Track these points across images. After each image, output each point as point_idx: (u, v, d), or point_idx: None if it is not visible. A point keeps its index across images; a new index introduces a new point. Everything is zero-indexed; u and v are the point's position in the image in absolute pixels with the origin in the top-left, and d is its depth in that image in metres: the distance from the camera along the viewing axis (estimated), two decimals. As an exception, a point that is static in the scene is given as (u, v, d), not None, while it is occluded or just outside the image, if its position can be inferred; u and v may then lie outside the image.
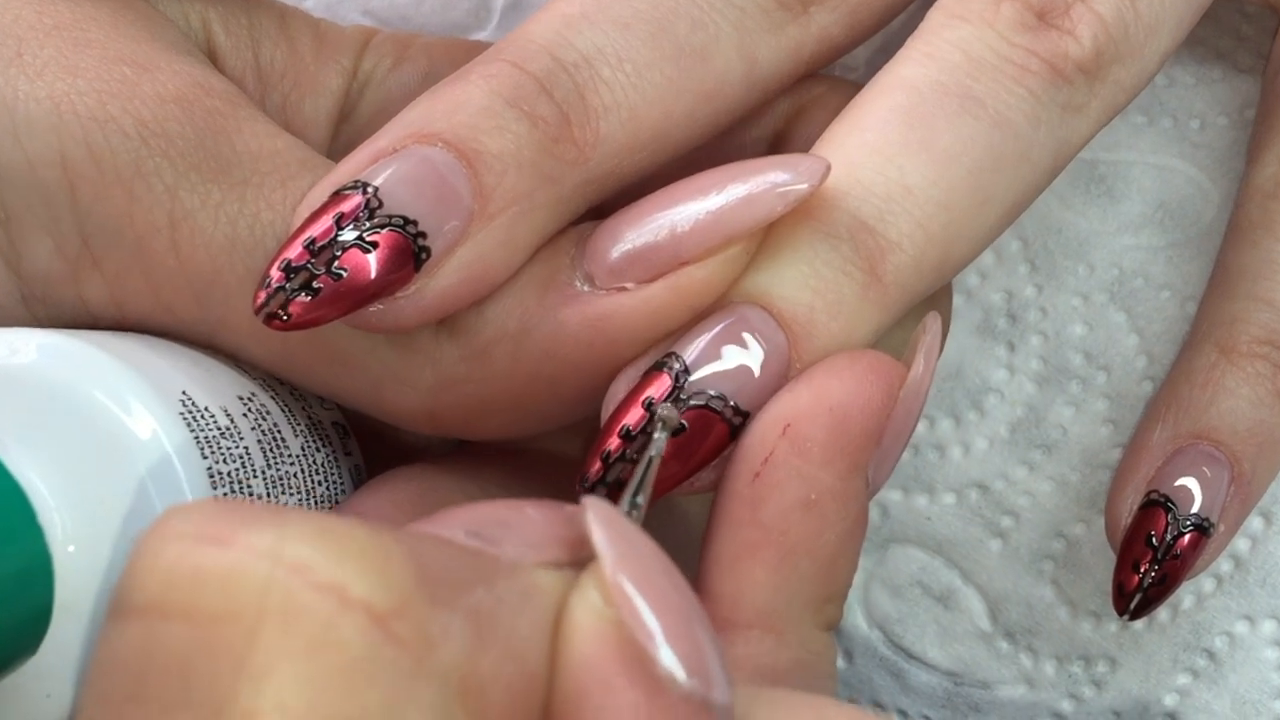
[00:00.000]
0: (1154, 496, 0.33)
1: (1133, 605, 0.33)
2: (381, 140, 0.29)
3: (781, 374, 0.28)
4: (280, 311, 0.27)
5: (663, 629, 0.21)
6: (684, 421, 0.28)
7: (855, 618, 0.39)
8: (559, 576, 0.22)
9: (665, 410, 0.27)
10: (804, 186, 0.28)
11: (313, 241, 0.27)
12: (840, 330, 0.28)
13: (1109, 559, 0.37)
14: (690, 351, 0.28)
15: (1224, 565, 0.37)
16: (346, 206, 0.28)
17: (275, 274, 0.27)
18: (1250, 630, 0.37)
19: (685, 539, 0.33)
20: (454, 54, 0.35)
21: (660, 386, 0.28)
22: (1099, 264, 0.38)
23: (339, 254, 0.27)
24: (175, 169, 0.29)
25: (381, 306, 0.28)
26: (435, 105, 0.29)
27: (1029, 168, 0.30)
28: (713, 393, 0.28)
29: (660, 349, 0.29)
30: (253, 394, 0.30)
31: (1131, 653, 0.37)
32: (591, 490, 0.28)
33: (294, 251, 0.27)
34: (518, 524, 0.23)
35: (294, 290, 0.27)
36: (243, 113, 0.31)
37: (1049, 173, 0.31)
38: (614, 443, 0.28)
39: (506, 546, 0.23)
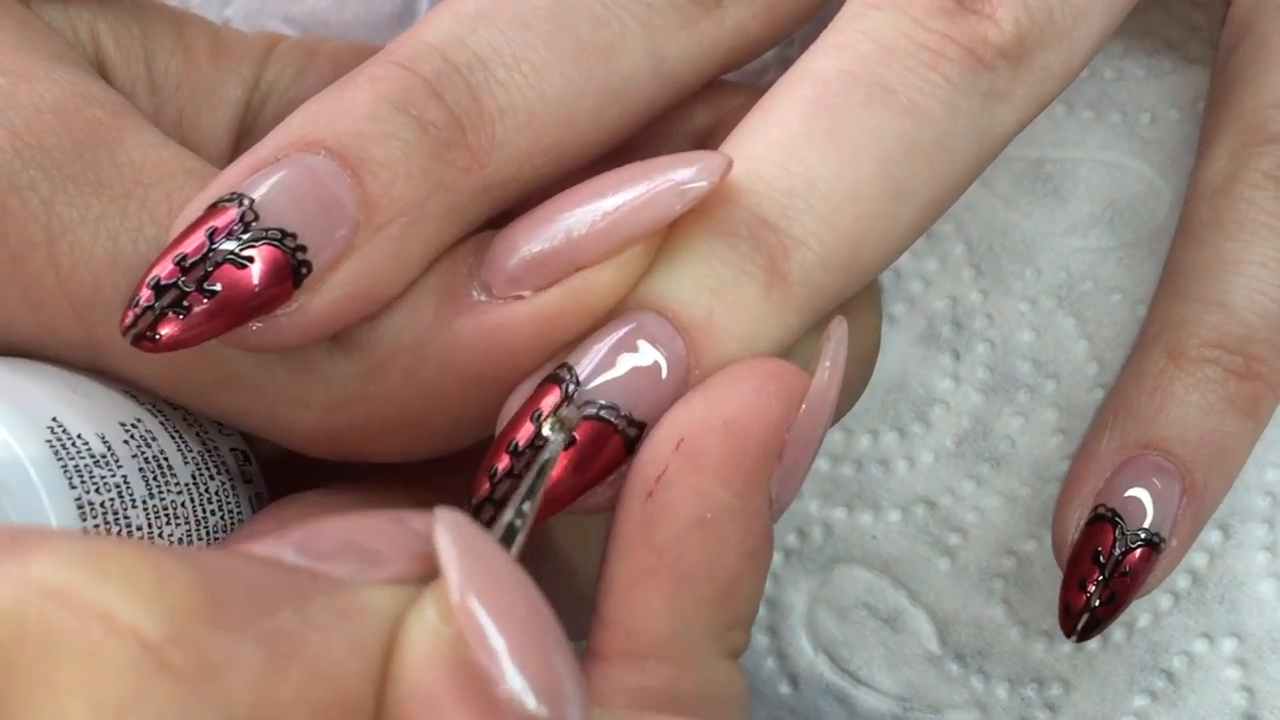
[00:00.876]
0: (1101, 511, 0.31)
1: (1080, 626, 0.31)
2: (263, 149, 0.27)
3: (681, 382, 0.27)
4: (149, 332, 0.26)
5: (509, 647, 0.20)
6: (575, 434, 0.26)
7: (800, 641, 0.37)
8: (395, 594, 0.21)
9: (565, 411, 0.26)
10: (704, 184, 0.27)
11: (184, 258, 0.26)
12: (743, 333, 0.27)
13: (1060, 577, 0.35)
14: (584, 362, 0.26)
15: (1181, 581, 0.35)
16: (221, 220, 0.26)
17: (144, 293, 0.26)
18: (1209, 649, 0.35)
19: (554, 576, 0.31)
20: (360, 61, 0.34)
21: (552, 399, 0.26)
22: (1046, 267, 0.36)
23: (211, 270, 0.26)
24: (51, 181, 0.28)
25: (261, 325, 0.26)
26: (319, 111, 0.27)
27: (947, 158, 0.28)
28: (604, 403, 0.26)
29: (555, 361, 0.27)
30: (138, 419, 0.29)
31: (1086, 675, 0.36)
32: (478, 510, 0.26)
33: (164, 269, 0.26)
34: (361, 539, 0.22)
35: (163, 309, 0.26)
36: (126, 123, 0.29)
37: (972, 164, 0.29)
38: (502, 460, 0.26)
39: (340, 563, 0.21)
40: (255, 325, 0.26)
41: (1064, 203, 0.36)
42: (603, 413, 0.26)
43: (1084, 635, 0.31)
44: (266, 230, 0.26)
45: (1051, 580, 0.36)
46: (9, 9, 0.31)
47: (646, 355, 0.26)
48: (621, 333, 0.27)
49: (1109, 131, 0.36)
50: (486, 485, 0.26)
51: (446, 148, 0.27)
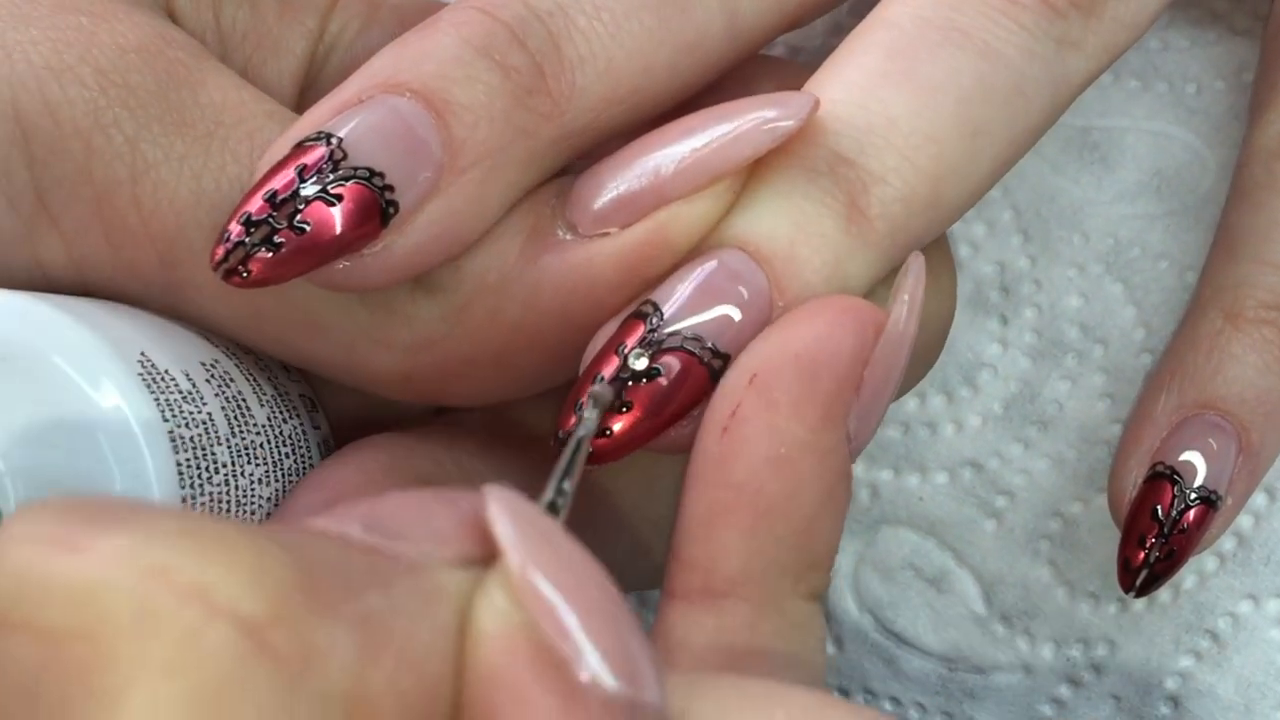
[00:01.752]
0: (1159, 469, 0.32)
1: (1139, 582, 0.32)
2: (347, 90, 0.27)
3: (764, 315, 0.27)
4: (240, 267, 0.26)
5: (582, 627, 0.19)
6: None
7: (846, 602, 0.38)
8: (466, 576, 0.20)
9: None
10: (791, 123, 0.27)
11: (274, 195, 0.26)
12: (824, 266, 0.27)
13: (1107, 538, 0.36)
14: (668, 298, 0.27)
15: (1227, 543, 0.36)
16: (309, 158, 0.26)
17: (235, 228, 0.26)
18: (1254, 610, 0.36)
19: (614, 529, 0.31)
20: (426, 14, 0.34)
21: (636, 334, 0.26)
22: (1094, 233, 0.37)
23: (301, 207, 0.26)
24: (136, 120, 0.28)
25: (348, 264, 0.26)
26: (403, 54, 0.27)
27: (1023, 102, 0.28)
28: (689, 334, 0.26)
29: (641, 298, 0.27)
30: (216, 360, 0.29)
31: (1132, 635, 0.36)
32: (563, 443, 0.26)
33: (254, 205, 0.26)
34: (422, 517, 0.21)
35: (254, 245, 0.26)
36: (206, 65, 0.29)
37: (1047, 110, 0.29)
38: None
39: (408, 543, 0.21)
40: (342, 264, 0.26)
41: (1111, 170, 0.37)
42: (686, 344, 0.26)
43: (1142, 591, 0.32)
44: (355, 169, 0.26)
45: (1098, 542, 0.36)
46: None
47: (729, 289, 0.27)
48: (705, 268, 0.27)
49: (1155, 101, 0.37)
50: (573, 419, 0.26)
51: (528, 93, 0.27)
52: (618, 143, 0.29)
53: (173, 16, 0.32)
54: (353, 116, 0.27)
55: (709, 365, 0.26)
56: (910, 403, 0.37)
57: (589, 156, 0.29)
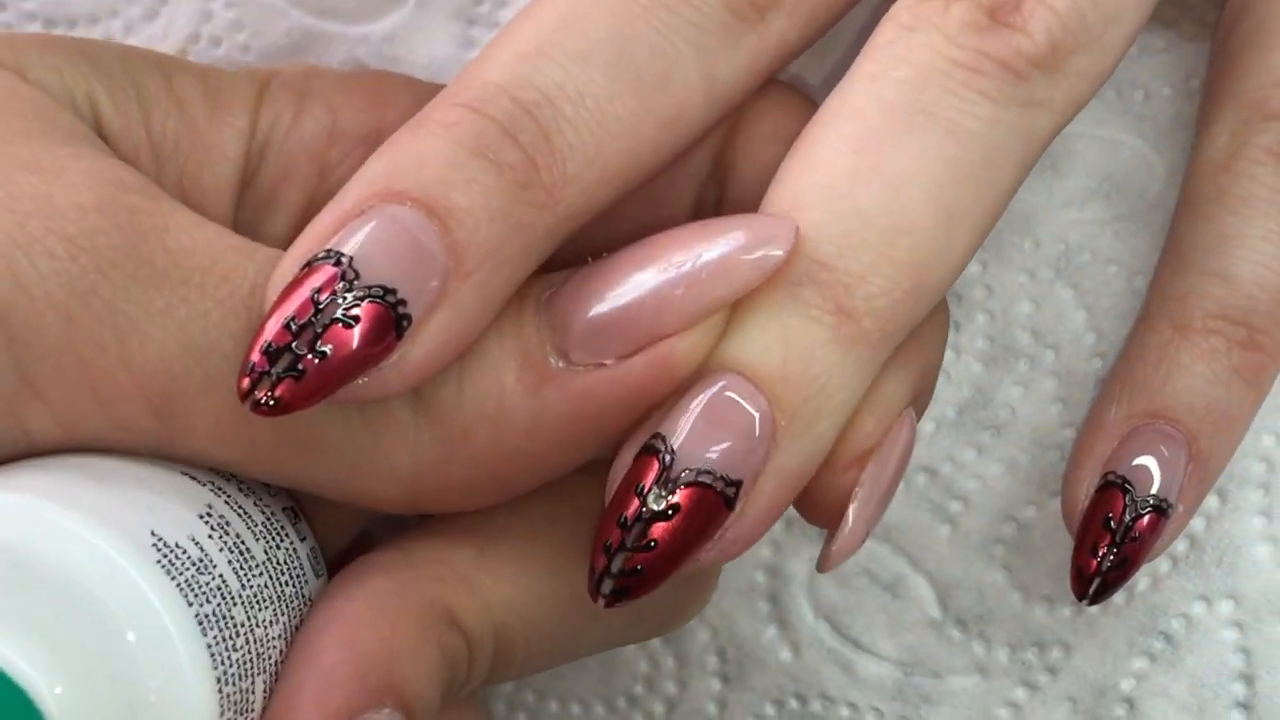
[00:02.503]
0: (1111, 478, 0.32)
1: (1092, 590, 0.32)
2: (346, 201, 0.28)
3: (770, 436, 0.27)
4: (267, 398, 0.26)
5: None
6: (679, 502, 0.27)
7: (801, 609, 0.38)
8: None
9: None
10: (779, 253, 0.27)
11: (292, 320, 0.26)
12: (820, 377, 0.28)
13: (1061, 543, 0.36)
14: (674, 430, 0.27)
15: (1180, 545, 0.36)
16: (322, 280, 0.27)
17: (257, 358, 0.26)
18: (1207, 611, 0.36)
19: None
20: (354, 98, 0.34)
21: (651, 472, 0.27)
22: (1045, 239, 0.37)
23: (321, 332, 0.26)
24: (112, 282, 0.28)
25: (366, 380, 0.27)
26: (398, 160, 0.28)
27: (993, 173, 0.29)
28: (703, 469, 0.27)
29: (651, 425, 0.28)
30: (209, 506, 0.28)
31: (1086, 638, 0.36)
32: (600, 584, 0.27)
33: (273, 333, 0.26)
34: None
35: (280, 374, 0.26)
36: (164, 206, 0.29)
37: (1017, 174, 0.30)
38: (615, 534, 0.27)
39: None
40: (361, 380, 0.27)
41: (1061, 177, 0.37)
42: (701, 478, 0.27)
43: (1095, 599, 0.32)
44: (369, 288, 0.26)
45: (1052, 546, 0.36)
46: (6, 84, 0.30)
47: (735, 418, 0.27)
48: (707, 396, 0.28)
49: (1104, 108, 0.37)
50: (604, 559, 0.27)
51: (523, 187, 0.28)
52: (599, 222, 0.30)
53: (104, 137, 0.31)
54: (357, 230, 0.27)
55: (723, 495, 0.27)
56: (864, 409, 0.37)
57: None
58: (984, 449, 0.37)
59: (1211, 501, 0.36)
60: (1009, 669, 0.37)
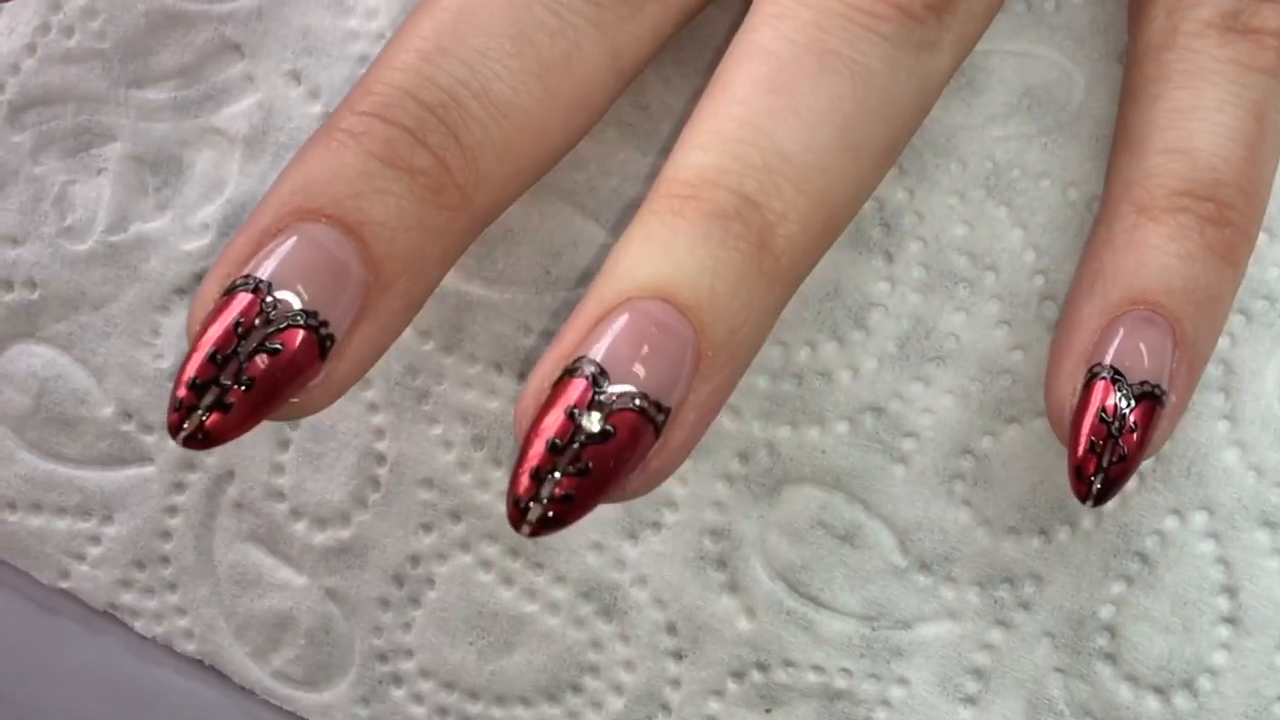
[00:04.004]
0: (1097, 370, 0.30)
1: (1095, 488, 0.30)
2: (262, 221, 0.28)
3: (693, 363, 0.28)
4: (196, 431, 0.27)
5: None
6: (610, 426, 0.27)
7: (754, 571, 0.35)
8: None
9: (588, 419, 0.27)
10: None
11: (216, 354, 0.27)
12: (743, 307, 0.28)
13: (1022, 470, 0.34)
14: (600, 352, 0.27)
15: (1144, 462, 0.34)
16: (241, 308, 0.27)
17: (184, 394, 0.27)
18: (1180, 525, 0.34)
19: None
20: None
21: (578, 391, 0.27)
22: (970, 159, 0.35)
23: (245, 363, 0.27)
24: None
25: (295, 400, 0.28)
26: (310, 176, 0.28)
27: (895, 113, 0.30)
28: (634, 391, 0.27)
29: (561, 353, 0.28)
30: None
31: (1059, 567, 0.34)
32: (526, 509, 0.27)
33: (197, 368, 0.27)
34: None
35: (208, 407, 0.27)
36: None
37: (917, 111, 0.30)
38: (541, 456, 0.27)
39: None
40: (291, 401, 0.28)
41: (979, 94, 0.35)
42: (635, 403, 0.27)
43: (1099, 499, 0.30)
44: (289, 315, 0.27)
45: (1013, 475, 0.35)
46: None
47: (663, 342, 0.27)
48: (631, 321, 0.27)
49: (1015, 21, 0.36)
50: (529, 483, 0.27)
51: (437, 191, 0.28)
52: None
53: None
54: (274, 253, 0.27)
55: (653, 420, 0.27)
56: (801, 352, 0.35)
57: None
58: (931, 381, 0.35)
59: (1176, 410, 0.34)
60: (981, 610, 0.35)
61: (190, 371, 0.27)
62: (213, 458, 0.37)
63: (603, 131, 0.36)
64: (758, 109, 0.29)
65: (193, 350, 0.27)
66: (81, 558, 0.38)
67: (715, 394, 0.28)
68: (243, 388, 0.27)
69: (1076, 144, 0.35)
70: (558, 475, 0.27)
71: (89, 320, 0.37)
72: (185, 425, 0.27)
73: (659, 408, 0.27)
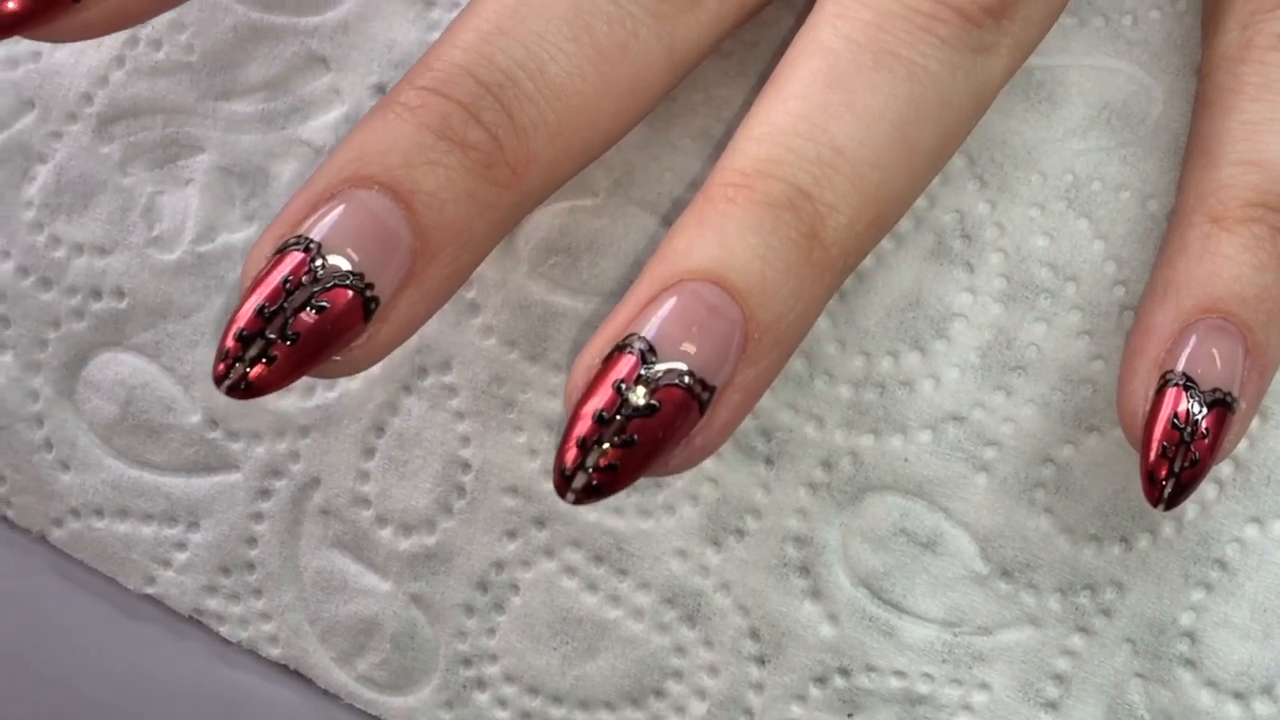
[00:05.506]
0: (1170, 377, 0.31)
1: (1167, 494, 0.30)
2: (316, 187, 0.29)
3: (741, 346, 0.29)
4: (240, 380, 0.28)
5: None
6: (656, 401, 0.28)
7: (837, 578, 0.36)
8: None
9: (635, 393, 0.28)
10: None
11: (264, 308, 0.28)
12: (791, 296, 0.29)
13: (1103, 478, 0.35)
14: (653, 331, 0.28)
15: (1225, 469, 0.35)
16: (292, 266, 0.28)
17: (231, 344, 0.28)
18: (1260, 533, 0.35)
19: None
20: None
21: (629, 369, 0.28)
22: (1051, 172, 0.36)
23: (290, 318, 0.28)
24: None
25: (339, 359, 0.29)
26: (365, 146, 0.29)
27: (951, 114, 0.30)
28: (682, 368, 0.28)
29: (613, 331, 0.29)
30: None
31: (1140, 575, 0.35)
32: (572, 479, 0.28)
33: (246, 319, 0.28)
34: None
35: (253, 358, 0.28)
36: None
37: (972, 115, 0.31)
38: (589, 427, 0.28)
39: None
40: (333, 359, 0.29)
41: (1058, 108, 0.36)
42: (682, 379, 0.28)
43: (1171, 503, 0.31)
44: (336, 275, 0.28)
45: (1093, 483, 0.35)
46: None
47: (711, 323, 0.28)
48: (682, 301, 0.28)
49: (1093, 36, 0.36)
50: (575, 453, 0.28)
51: (488, 166, 0.29)
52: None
53: None
54: (326, 215, 0.28)
55: (699, 398, 0.28)
56: (884, 362, 0.36)
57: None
58: (1012, 391, 0.35)
59: (1253, 421, 0.35)
60: (1062, 616, 0.35)
61: (239, 323, 0.28)
62: (299, 464, 0.38)
63: (681, 142, 0.36)
64: (814, 104, 0.30)
65: (242, 302, 0.28)
66: (168, 564, 0.39)
67: (760, 377, 0.29)
68: (287, 342, 0.28)
69: (1155, 157, 0.36)
70: (603, 445, 0.28)
71: (176, 329, 0.38)
72: (230, 375, 0.28)
73: (704, 386, 0.28)
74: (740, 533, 0.36)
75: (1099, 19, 0.36)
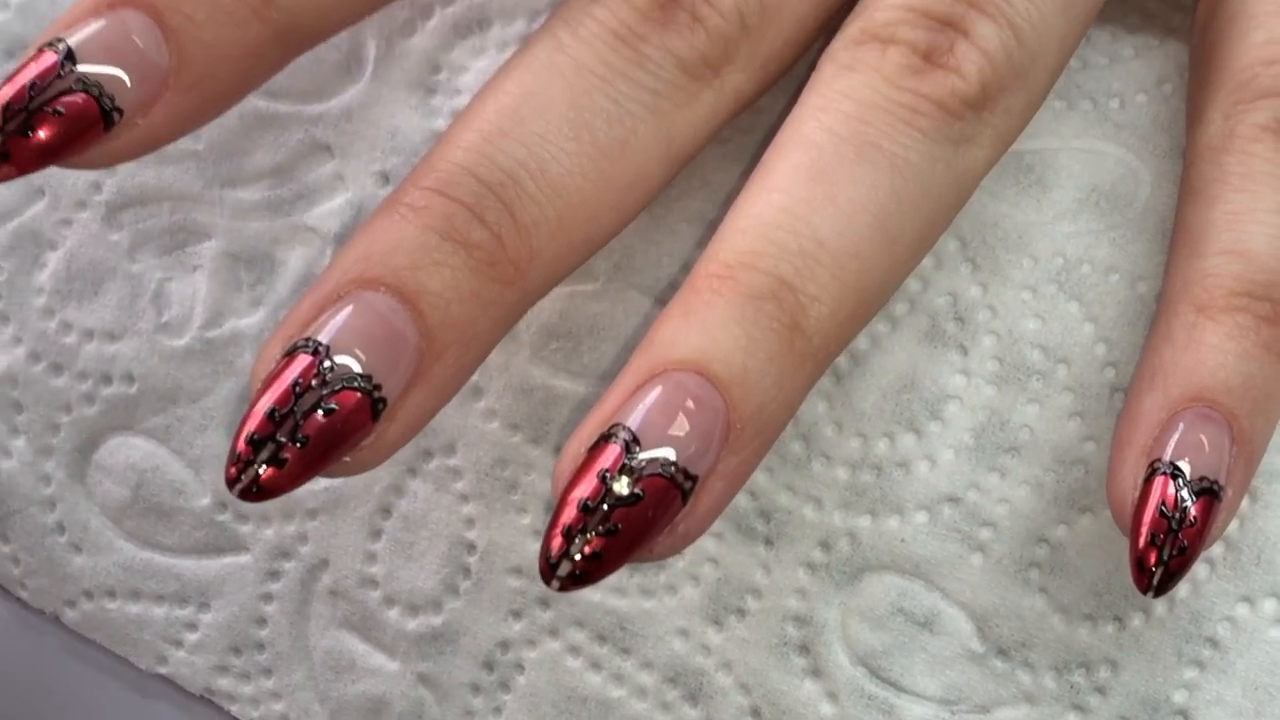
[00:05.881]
0: (1158, 466, 0.31)
1: (1156, 580, 0.31)
2: (324, 288, 0.29)
3: (724, 435, 0.29)
4: (252, 484, 0.28)
5: None
6: (639, 490, 0.29)
7: (836, 657, 0.36)
8: None
9: (619, 484, 0.29)
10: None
11: (274, 411, 0.28)
12: (773, 386, 0.30)
13: (1096, 558, 0.35)
14: (636, 421, 0.29)
15: (1216, 549, 0.35)
16: (301, 369, 0.29)
17: (242, 448, 0.28)
18: (1251, 612, 0.35)
19: None
20: None
21: (613, 458, 0.29)
22: (1042, 254, 0.36)
23: (301, 421, 0.28)
24: None
25: (348, 459, 0.29)
26: (372, 247, 0.30)
27: (931, 204, 0.31)
28: (665, 458, 0.29)
29: (598, 420, 0.30)
30: None
31: (1133, 653, 0.36)
32: (557, 565, 0.29)
33: (257, 423, 0.28)
34: None
35: (264, 462, 0.28)
36: None
37: (953, 204, 0.32)
38: (574, 516, 0.29)
39: None
40: (341, 460, 0.29)
41: (1048, 191, 0.37)
42: (665, 469, 0.29)
43: (1160, 590, 0.31)
44: (345, 377, 0.28)
45: (1088, 563, 0.36)
46: None
47: (695, 414, 0.29)
48: (666, 391, 0.29)
49: (1081, 119, 0.37)
50: (561, 541, 0.29)
51: (491, 265, 0.30)
52: None
53: None
54: (334, 317, 0.29)
55: (681, 487, 0.29)
56: (880, 444, 0.36)
57: None
58: (1006, 472, 0.36)
59: (1242, 502, 0.35)
60: (1058, 694, 0.36)
61: (249, 427, 0.28)
62: (308, 546, 0.38)
63: (679, 226, 0.37)
64: (797, 197, 0.30)
65: (253, 406, 0.29)
66: (179, 644, 0.39)
67: (743, 465, 0.30)
68: (298, 445, 0.28)
69: (1144, 238, 0.36)
70: (587, 534, 0.28)
71: (186, 413, 0.38)
72: (242, 478, 0.28)
73: (687, 475, 0.29)
74: (741, 612, 0.37)
75: (1087, 102, 0.37)
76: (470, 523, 0.37)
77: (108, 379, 0.39)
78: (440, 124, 0.38)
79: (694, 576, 0.37)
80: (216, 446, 0.38)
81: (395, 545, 0.38)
